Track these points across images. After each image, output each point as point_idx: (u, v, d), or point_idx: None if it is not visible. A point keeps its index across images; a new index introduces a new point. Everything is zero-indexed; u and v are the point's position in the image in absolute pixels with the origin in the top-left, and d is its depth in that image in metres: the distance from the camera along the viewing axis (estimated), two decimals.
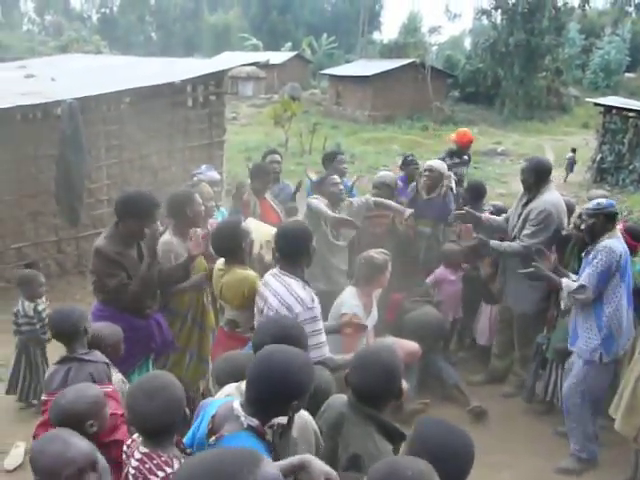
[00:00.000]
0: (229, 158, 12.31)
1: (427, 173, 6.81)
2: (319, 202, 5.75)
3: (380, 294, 5.62)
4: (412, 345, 5.71)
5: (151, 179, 9.76)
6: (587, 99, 24.00)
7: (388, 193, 6.66)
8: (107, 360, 3.67)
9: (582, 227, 5.09)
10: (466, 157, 8.86)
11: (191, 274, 4.85)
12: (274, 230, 4.58)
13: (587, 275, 4.90)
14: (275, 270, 4.09)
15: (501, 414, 5.98)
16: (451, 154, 8.64)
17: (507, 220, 6.13)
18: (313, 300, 3.88)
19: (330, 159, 7.05)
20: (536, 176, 5.71)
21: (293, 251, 4.02)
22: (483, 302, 6.75)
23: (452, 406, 6.01)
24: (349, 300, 5.13)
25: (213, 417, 2.59)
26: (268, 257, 5.05)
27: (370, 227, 6.50)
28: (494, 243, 5.95)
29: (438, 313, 6.32)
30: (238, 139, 22.15)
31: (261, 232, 5.25)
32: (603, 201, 4.99)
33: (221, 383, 3.15)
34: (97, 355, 3.67)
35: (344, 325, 4.56)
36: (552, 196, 5.74)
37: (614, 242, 4.87)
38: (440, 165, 6.93)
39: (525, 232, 5.71)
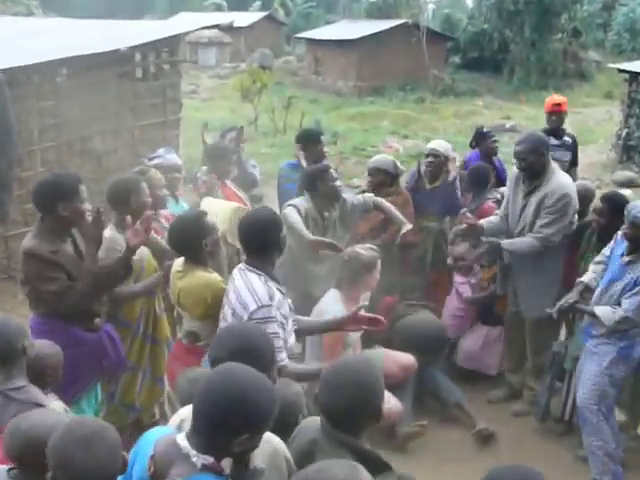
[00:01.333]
0: (187, 139, 12.28)
1: (430, 159, 6.83)
2: (295, 213, 5.64)
3: (370, 298, 5.66)
4: (406, 358, 5.77)
5: (94, 165, 9.72)
6: (610, 65, 24.12)
7: (385, 181, 6.65)
8: (42, 401, 3.43)
9: (625, 232, 5.04)
10: (568, 139, 8.13)
11: (140, 276, 4.86)
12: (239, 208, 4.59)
13: (630, 303, 4.96)
14: (242, 264, 4.16)
15: (511, 437, 6.02)
16: (548, 133, 7.53)
17: (505, 216, 6.13)
18: (272, 298, 3.92)
19: (310, 140, 6.92)
20: (538, 156, 5.74)
21: (260, 243, 4.06)
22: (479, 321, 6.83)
23: (454, 428, 6.08)
24: (331, 306, 5.17)
25: (152, 458, 2.47)
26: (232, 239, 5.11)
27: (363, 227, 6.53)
28: (506, 243, 5.95)
29: (437, 319, 6.40)
30: (198, 116, 21.91)
31: (223, 210, 5.29)
32: None
33: (185, 403, 3.13)
34: (31, 393, 3.46)
35: (334, 324, 4.51)
36: (565, 178, 5.87)
37: None
38: (445, 147, 6.96)
39: (541, 221, 5.76)
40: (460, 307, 6.76)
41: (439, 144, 7.04)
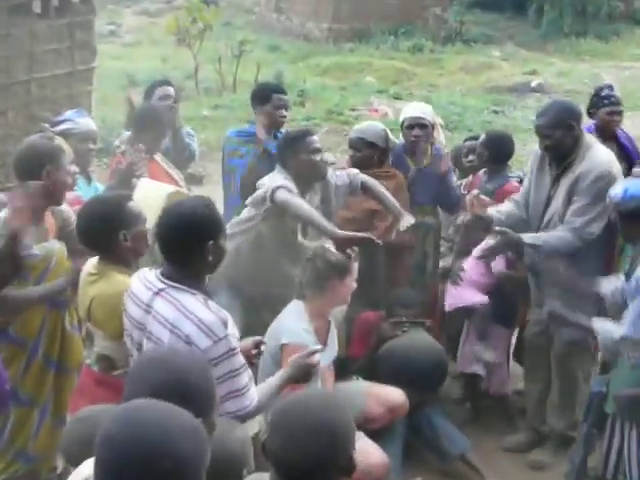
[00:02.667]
0: (103, 97, 12.24)
1: (417, 130, 6.83)
2: (298, 198, 5.64)
3: (345, 313, 5.70)
4: (394, 394, 5.79)
5: None
6: None
7: (372, 158, 6.68)
8: None
9: None
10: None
11: (44, 276, 4.85)
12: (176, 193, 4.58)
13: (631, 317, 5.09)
14: (157, 278, 4.08)
15: None
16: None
17: (524, 206, 6.20)
18: (225, 324, 3.88)
19: (264, 98, 6.93)
20: (566, 130, 5.79)
21: (182, 249, 4.01)
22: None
23: None
24: (292, 323, 5.20)
25: None
26: None
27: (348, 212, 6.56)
28: (529, 237, 5.94)
29: (435, 342, 6.38)
30: (118, 67, 21.86)
31: (158, 195, 5.30)
32: None
33: (72, 460, 3.10)
34: None
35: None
36: (605, 153, 5.92)
37: None
38: (429, 111, 7.02)
39: (574, 207, 5.80)
40: (482, 272, 6.72)
41: (422, 109, 7.05)
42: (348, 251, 5.32)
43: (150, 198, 5.32)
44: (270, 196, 5.65)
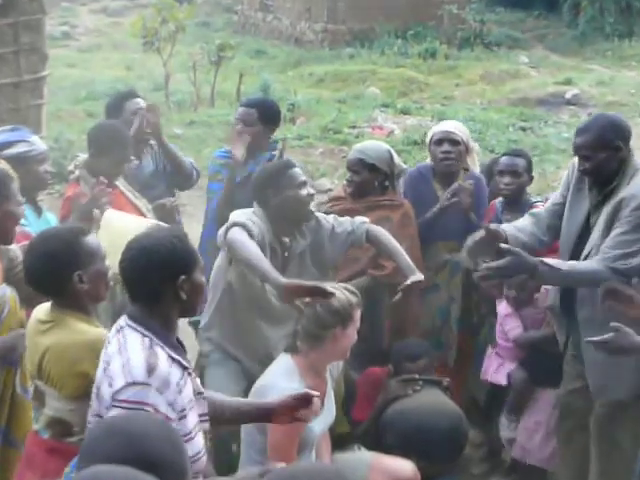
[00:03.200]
0: (55, 113, 12.26)
1: (446, 146, 6.91)
2: (246, 237, 5.60)
3: (343, 370, 5.71)
4: (403, 467, 5.74)
5: None
6: None
7: (372, 183, 6.73)
8: None
9: None
10: None
11: None
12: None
13: None
14: (123, 318, 4.14)
15: None
16: None
17: (550, 227, 6.13)
18: (151, 371, 3.85)
19: (258, 117, 7.01)
20: (611, 152, 5.72)
21: (148, 287, 4.04)
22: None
23: None
24: (281, 382, 5.16)
25: None
26: None
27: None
28: (558, 264, 5.70)
29: (452, 404, 6.36)
30: (74, 75, 21.99)
31: (128, 231, 5.33)
32: None
33: None
34: None
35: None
36: None
37: None
38: (464, 130, 7.12)
39: (613, 237, 5.66)
40: (504, 345, 6.82)
41: (455, 125, 7.15)
42: (297, 304, 5.28)
43: (122, 235, 5.30)
44: (224, 235, 5.70)
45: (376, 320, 6.29)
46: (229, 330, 6.02)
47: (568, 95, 23.76)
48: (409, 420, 6.08)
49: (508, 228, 6.02)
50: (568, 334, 6.18)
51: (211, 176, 7.16)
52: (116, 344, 3.98)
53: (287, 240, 5.92)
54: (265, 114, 7.17)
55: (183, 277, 4.00)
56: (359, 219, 6.23)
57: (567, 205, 6.05)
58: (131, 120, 7.08)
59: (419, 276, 5.91)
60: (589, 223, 5.91)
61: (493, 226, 5.96)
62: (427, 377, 6.42)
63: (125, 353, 3.90)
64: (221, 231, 5.77)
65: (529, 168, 7.06)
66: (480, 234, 5.87)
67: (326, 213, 6.46)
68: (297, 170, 6.00)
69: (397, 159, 6.91)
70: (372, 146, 7.04)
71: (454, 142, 6.84)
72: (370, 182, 6.66)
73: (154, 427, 2.98)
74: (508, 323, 6.74)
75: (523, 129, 18.91)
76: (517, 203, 6.90)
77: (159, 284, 4.01)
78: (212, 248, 6.31)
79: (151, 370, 3.83)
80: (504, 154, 7.61)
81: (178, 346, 4.08)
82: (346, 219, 6.23)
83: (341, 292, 5.28)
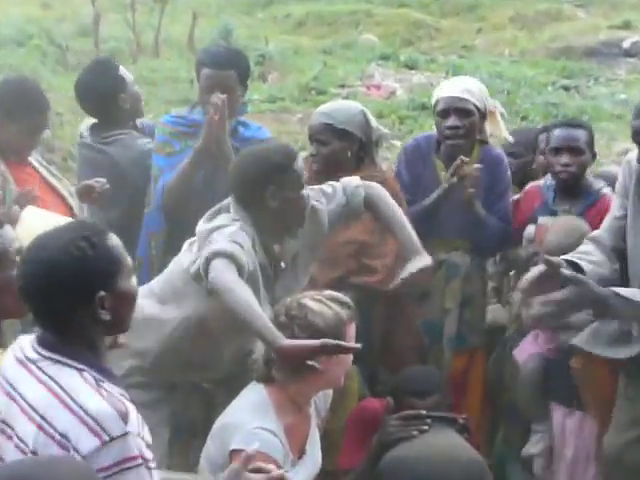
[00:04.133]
0: None
1: (453, 120, 6.95)
2: (234, 275, 5.49)
3: (332, 401, 5.78)
4: None
5: None
6: None
7: (344, 154, 6.90)
8: None
9: None
10: None
11: None
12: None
13: None
14: (27, 348, 3.92)
15: None
16: None
17: (614, 250, 5.97)
18: (124, 417, 3.63)
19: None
20: None
21: (55, 307, 3.78)
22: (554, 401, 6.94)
23: None
24: (250, 419, 5.13)
25: None
26: None
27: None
28: (635, 295, 5.59)
29: (470, 449, 6.35)
30: None
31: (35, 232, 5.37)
32: None
33: None
34: None
35: None
36: None
37: None
38: (480, 91, 7.14)
39: None
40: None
41: (466, 86, 7.07)
42: (339, 301, 5.28)
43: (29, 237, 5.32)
44: (205, 269, 5.51)
45: (368, 341, 6.29)
46: (179, 360, 6.00)
47: (626, 44, 23.48)
48: (413, 470, 5.89)
49: (581, 261, 5.83)
50: (627, 376, 6.11)
51: (159, 147, 7.09)
52: (42, 390, 3.73)
53: (277, 247, 5.83)
54: (244, 75, 7.13)
55: (102, 294, 3.78)
56: (353, 182, 6.16)
57: (629, 217, 5.89)
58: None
59: (426, 259, 5.78)
60: None
61: (555, 259, 5.69)
62: (437, 414, 6.35)
63: (72, 403, 3.66)
64: (199, 263, 5.55)
65: (591, 143, 6.85)
66: (539, 269, 5.67)
67: None
68: (300, 162, 5.84)
69: (374, 122, 6.82)
70: (340, 107, 7.06)
71: (464, 112, 6.85)
72: (341, 154, 6.70)
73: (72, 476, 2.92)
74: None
75: (566, 88, 18.68)
76: (575, 188, 6.85)
77: (68, 310, 3.79)
78: (157, 246, 6.36)
79: (123, 415, 3.67)
80: (557, 124, 7.47)
81: (115, 375, 3.89)
82: (336, 186, 6.17)
83: (327, 306, 5.20)
